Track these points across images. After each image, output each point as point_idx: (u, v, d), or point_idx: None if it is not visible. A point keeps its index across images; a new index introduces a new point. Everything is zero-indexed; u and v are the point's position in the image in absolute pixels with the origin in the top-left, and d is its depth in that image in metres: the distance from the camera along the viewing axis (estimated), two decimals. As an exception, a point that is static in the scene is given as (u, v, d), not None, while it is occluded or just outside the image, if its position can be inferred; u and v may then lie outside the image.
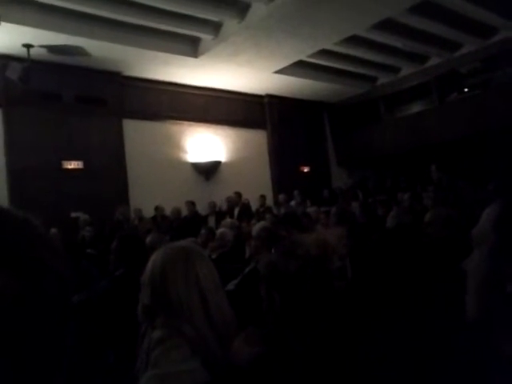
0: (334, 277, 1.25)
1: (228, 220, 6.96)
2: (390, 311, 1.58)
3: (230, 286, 3.45)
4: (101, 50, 8.10)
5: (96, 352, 2.08)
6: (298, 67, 10.27)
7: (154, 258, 1.59)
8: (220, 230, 5.36)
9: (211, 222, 8.83)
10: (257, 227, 4.19)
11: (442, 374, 1.04)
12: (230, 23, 7.94)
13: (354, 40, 9.30)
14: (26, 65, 7.44)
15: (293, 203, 9.86)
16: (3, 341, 0.39)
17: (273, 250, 1.35)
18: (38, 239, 0.47)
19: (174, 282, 1.50)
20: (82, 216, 7.97)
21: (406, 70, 11.56)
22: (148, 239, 4.05)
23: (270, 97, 12.02)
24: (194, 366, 1.39)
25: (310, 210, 8.19)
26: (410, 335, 1.33)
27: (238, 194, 9.78)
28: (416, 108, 12.15)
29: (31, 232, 0.47)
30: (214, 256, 4.74)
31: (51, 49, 7.81)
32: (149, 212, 8.84)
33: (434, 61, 11.08)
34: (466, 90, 11.35)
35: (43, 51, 7.83)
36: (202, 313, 1.48)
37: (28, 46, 7.56)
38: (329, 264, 1.28)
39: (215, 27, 8.23)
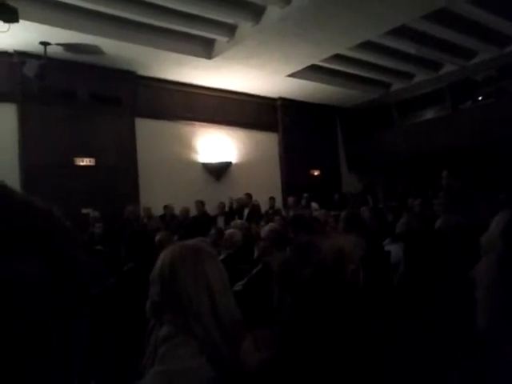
0: (347, 285, 1.26)
1: (237, 221, 6.97)
2: (399, 317, 1.59)
3: (237, 286, 3.46)
4: (116, 49, 8.17)
5: (103, 347, 2.10)
6: (312, 71, 10.28)
7: (164, 256, 1.60)
8: (229, 231, 5.36)
9: (220, 222, 8.86)
10: (266, 229, 4.20)
11: (451, 379, 1.05)
12: (245, 26, 7.97)
13: (368, 45, 9.29)
14: (42, 62, 7.54)
15: (300, 206, 9.86)
16: (27, 324, 0.41)
17: (288, 250, 1.35)
18: (62, 230, 0.48)
19: (184, 279, 1.51)
20: (91, 213, 8.04)
21: (420, 76, 11.51)
22: (157, 238, 4.07)
23: (283, 100, 12.03)
24: (201, 363, 1.40)
25: (319, 213, 8.20)
26: (419, 342, 1.33)
27: (249, 195, 9.79)
28: (429, 115, 12.08)
29: (55, 222, 0.48)
30: (221, 256, 4.75)
31: (67, 47, 7.90)
32: (158, 211, 8.89)
33: (448, 68, 11.02)
34: (479, 98, 11.27)
35: (59, 49, 7.92)
36: (210, 311, 1.49)
37: (45, 44, 7.66)
38: (343, 273, 1.28)
39: (230, 29, 8.26)
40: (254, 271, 3.85)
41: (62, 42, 7.69)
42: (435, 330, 1.39)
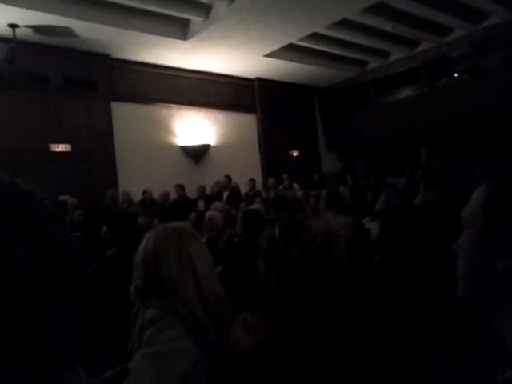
0: (335, 264, 1.26)
1: (217, 203, 6.96)
2: (387, 294, 1.60)
3: (218, 268, 3.47)
4: (89, 31, 7.95)
5: (88, 332, 2.08)
6: (289, 51, 10.20)
7: (147, 239, 1.59)
8: (209, 213, 5.35)
9: (200, 205, 8.83)
10: (243, 210, 4.21)
11: (439, 349, 1.06)
12: (220, 5, 7.83)
13: (344, 24, 9.25)
14: (11, 45, 7.30)
15: (281, 187, 9.88)
16: (15, 307, 0.40)
17: (276, 228, 1.33)
18: (47, 211, 0.47)
19: (167, 262, 1.50)
20: (69, 200, 7.91)
21: (396, 54, 11.53)
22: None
23: (260, 80, 11.94)
24: (187, 345, 1.40)
25: (299, 193, 8.24)
26: (406, 318, 1.35)
27: (228, 178, 9.76)
28: (406, 93, 12.16)
29: (40, 204, 0.47)
30: (203, 239, 4.74)
31: (38, 29, 7.65)
32: (137, 195, 8.80)
33: (424, 45, 11.07)
34: (455, 75, 11.38)
35: (29, 32, 7.66)
36: (195, 293, 1.48)
37: (14, 26, 7.39)
38: (333, 252, 1.28)
39: (205, 9, 8.11)
40: (232, 253, 3.87)
41: (31, 24, 7.44)
42: (420, 306, 1.41)
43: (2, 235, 0.40)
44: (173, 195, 9.13)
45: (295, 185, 10.08)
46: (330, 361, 1.19)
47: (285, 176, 10.26)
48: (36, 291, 0.41)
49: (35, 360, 0.42)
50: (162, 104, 10.27)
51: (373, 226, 4.22)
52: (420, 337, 1.18)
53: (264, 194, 9.38)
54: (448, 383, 0.97)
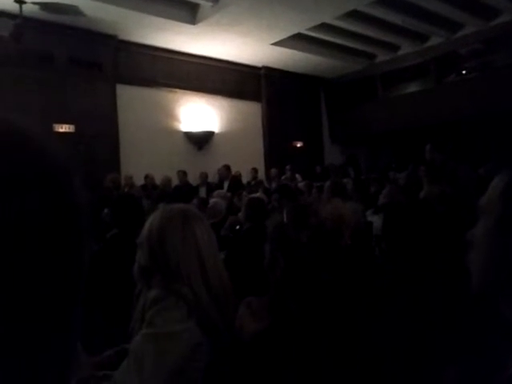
0: (343, 250, 1.23)
1: (221, 191, 6.94)
2: (392, 285, 1.58)
3: (221, 254, 3.46)
4: (96, 10, 7.86)
5: (88, 311, 2.06)
6: (297, 40, 10.11)
7: (152, 219, 1.57)
8: (213, 200, 5.34)
9: (202, 192, 8.81)
10: (247, 197, 4.19)
11: (447, 342, 1.05)
12: (230, -10, 7.75)
13: (354, 15, 9.15)
14: (18, 21, 7.22)
15: (284, 178, 9.84)
16: (29, 262, 0.39)
17: (284, 212, 1.31)
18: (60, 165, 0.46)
19: (172, 242, 1.48)
20: (71, 180, 7.87)
21: (406, 48, 11.43)
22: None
23: (267, 69, 11.85)
24: (190, 326, 1.39)
25: (301, 184, 8.21)
26: (412, 310, 1.33)
27: (227, 167, 9.67)
28: (413, 88, 12.08)
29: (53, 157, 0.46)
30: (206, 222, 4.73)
31: (44, 6, 7.57)
32: (139, 180, 8.77)
33: (433, 41, 10.97)
34: (464, 71, 11.29)
35: (36, 8, 7.58)
36: (200, 274, 1.47)
37: (20, 2, 7.30)
38: (341, 239, 1.26)
39: (215, -7, 8.03)
40: (235, 240, 3.86)
41: (38, 0, 7.36)
42: (427, 297, 1.39)
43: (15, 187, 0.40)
44: (175, 181, 9.10)
45: (298, 176, 10.04)
46: (333, 346, 1.17)
47: (288, 167, 10.21)
48: (46, 245, 0.41)
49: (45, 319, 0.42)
50: (168, 88, 10.20)
51: (375, 220, 4.20)
52: (428, 326, 1.16)
53: (266, 184, 9.35)
54: (458, 373, 0.95)
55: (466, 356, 0.91)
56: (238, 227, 4.58)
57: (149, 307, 1.41)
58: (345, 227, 1.27)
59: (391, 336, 1.13)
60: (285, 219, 1.34)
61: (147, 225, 1.57)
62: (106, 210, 5.33)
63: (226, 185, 9.22)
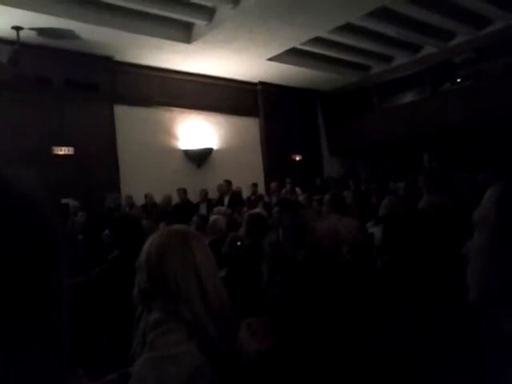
0: (340, 267, 1.24)
1: (221, 207, 6.95)
2: (391, 299, 1.58)
3: (222, 272, 3.45)
4: (92, 33, 7.96)
5: (91, 335, 2.06)
6: (292, 55, 10.21)
7: (150, 241, 1.57)
8: (213, 217, 5.34)
9: (202, 209, 8.81)
10: (248, 213, 4.19)
11: (443, 353, 1.04)
12: (224, 9, 7.84)
13: (348, 28, 9.25)
14: (15, 47, 7.32)
15: (284, 191, 9.86)
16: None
17: (280, 231, 1.32)
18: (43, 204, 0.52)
19: (171, 264, 1.48)
20: (71, 202, 7.90)
21: (400, 59, 11.54)
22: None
23: (263, 84, 11.95)
24: (190, 348, 1.39)
25: (301, 197, 8.21)
26: (411, 319, 1.33)
27: (228, 182, 9.74)
28: (409, 97, 12.16)
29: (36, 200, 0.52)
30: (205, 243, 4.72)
31: (41, 32, 7.67)
32: (139, 199, 8.79)
33: (427, 50, 11.08)
34: (458, 80, 11.37)
35: (33, 34, 7.69)
36: (199, 296, 1.47)
37: (17, 29, 7.42)
38: (338, 257, 1.26)
39: (209, 12, 8.12)
40: (237, 257, 3.85)
41: (35, 26, 7.46)
42: (426, 311, 1.39)
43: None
44: (175, 199, 9.12)
45: (298, 189, 10.06)
46: (333, 364, 1.17)
47: (288, 180, 10.24)
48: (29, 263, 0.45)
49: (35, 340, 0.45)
50: (165, 107, 10.28)
51: (376, 231, 4.20)
52: (425, 342, 1.16)
53: (266, 199, 9.36)
54: None
55: (465, 370, 0.91)
56: (239, 243, 4.58)
57: (149, 330, 1.41)
58: (341, 244, 1.27)
59: (391, 350, 1.13)
60: (280, 238, 1.34)
61: (146, 247, 1.57)
62: (106, 231, 5.35)
63: (226, 200, 9.24)
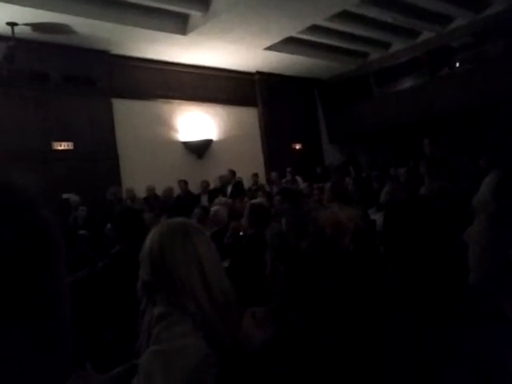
0: (343, 256, 1.24)
1: (221, 198, 6.95)
2: (393, 286, 1.59)
3: (225, 263, 3.46)
4: (87, 28, 7.91)
5: (96, 329, 2.08)
6: (289, 44, 10.15)
7: (153, 234, 1.58)
8: (214, 208, 5.36)
9: (204, 200, 8.83)
10: (249, 203, 4.20)
11: (449, 342, 1.05)
12: (219, -1, 7.79)
13: (344, 15, 9.19)
14: (10, 43, 7.28)
15: (284, 181, 9.86)
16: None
17: (283, 221, 1.31)
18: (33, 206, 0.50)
19: (174, 257, 1.49)
20: (72, 197, 7.90)
21: (397, 45, 11.47)
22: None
23: (261, 74, 11.89)
24: (196, 340, 1.40)
25: (303, 186, 8.21)
26: (415, 308, 1.34)
27: (232, 172, 9.74)
28: (407, 83, 12.09)
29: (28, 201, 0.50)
30: (208, 234, 4.74)
31: (36, 27, 7.63)
32: (141, 192, 8.80)
33: (425, 35, 11.00)
34: (457, 64, 11.31)
35: (28, 29, 7.64)
36: (202, 288, 1.48)
37: (12, 25, 7.36)
38: (340, 245, 1.26)
39: (204, 3, 8.06)
40: (239, 247, 3.86)
41: (29, 21, 7.41)
42: (428, 297, 1.39)
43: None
44: (176, 191, 9.13)
45: (298, 178, 10.05)
46: (336, 353, 1.18)
47: (288, 169, 10.24)
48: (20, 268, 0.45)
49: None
50: (163, 100, 10.25)
51: (378, 217, 4.20)
52: (428, 328, 1.17)
53: (267, 188, 9.36)
54: (458, 375, 0.96)
55: (467, 356, 0.92)
56: (241, 233, 4.59)
57: (155, 324, 1.42)
58: (343, 233, 1.27)
59: (393, 338, 1.14)
60: (284, 228, 1.34)
61: (148, 240, 1.58)
62: (108, 226, 5.36)
63: (229, 190, 9.25)
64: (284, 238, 1.30)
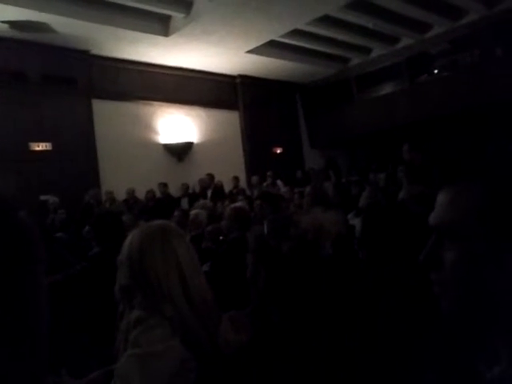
0: (323, 260, 1.25)
1: (201, 201, 6.92)
2: (372, 291, 1.60)
3: (205, 267, 3.45)
4: (67, 27, 7.81)
5: (73, 333, 2.04)
6: (271, 47, 10.19)
7: (132, 237, 1.56)
8: (194, 212, 5.32)
9: (184, 203, 8.78)
10: (230, 207, 4.19)
11: (424, 346, 1.06)
12: (201, 1, 7.78)
13: (326, 20, 9.28)
14: (-12, 42, 7.15)
15: (265, 184, 9.87)
16: None
17: (265, 223, 1.32)
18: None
19: (152, 260, 1.47)
20: (50, 199, 7.78)
21: (378, 50, 11.63)
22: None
23: (242, 77, 11.90)
24: (174, 344, 1.38)
25: (283, 190, 8.23)
26: (392, 313, 1.35)
27: (211, 176, 9.72)
28: (387, 89, 12.25)
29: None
30: (187, 238, 4.71)
31: (14, 25, 7.50)
32: (120, 194, 8.70)
33: (404, 42, 11.18)
34: (435, 71, 11.51)
35: (5, 27, 7.50)
36: (181, 292, 1.46)
37: (-11, 22, 7.25)
38: (321, 250, 1.27)
39: (186, 5, 8.04)
40: (220, 251, 3.85)
41: (7, 19, 7.28)
42: (405, 303, 1.40)
43: None
44: (157, 193, 9.06)
45: (279, 182, 10.08)
46: (317, 355, 1.18)
47: (269, 173, 10.26)
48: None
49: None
50: (144, 101, 10.17)
51: (357, 222, 4.23)
52: (405, 334, 1.18)
53: (248, 192, 9.35)
54: (435, 381, 0.96)
55: (443, 360, 0.92)
56: (221, 238, 4.57)
57: (132, 328, 1.41)
58: (325, 237, 1.28)
59: (373, 341, 1.14)
60: (265, 230, 1.34)
61: (127, 243, 1.56)
62: (86, 228, 5.29)
63: (209, 194, 9.22)
64: (265, 241, 1.30)
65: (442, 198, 0.79)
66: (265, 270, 1.24)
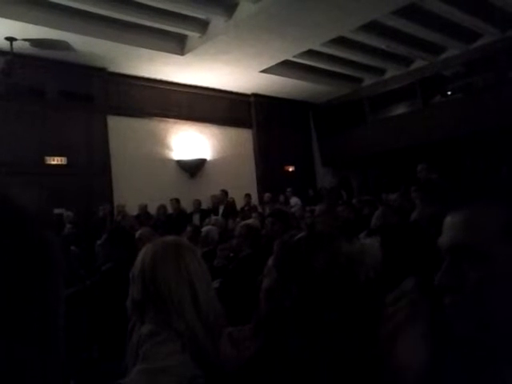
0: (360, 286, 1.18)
1: (213, 218, 6.95)
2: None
3: (215, 283, 3.45)
4: (85, 45, 8.00)
5: (83, 347, 2.05)
6: (285, 67, 10.30)
7: (145, 252, 1.57)
8: (205, 228, 5.34)
9: (196, 219, 8.80)
10: (242, 224, 4.20)
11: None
12: (218, 21, 7.92)
13: (340, 41, 9.36)
14: (8, 58, 7.32)
15: (281, 200, 9.96)
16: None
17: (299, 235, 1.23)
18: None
19: (165, 276, 1.48)
20: (65, 213, 7.86)
21: (391, 72, 11.67)
22: (137, 234, 3.98)
23: (256, 96, 12.01)
24: (184, 359, 1.38)
25: (294, 209, 8.23)
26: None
27: (224, 192, 9.76)
28: (400, 110, 12.26)
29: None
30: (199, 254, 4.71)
31: (34, 43, 7.68)
32: (133, 209, 8.76)
33: (418, 63, 11.21)
34: (448, 93, 11.51)
35: (26, 45, 7.69)
36: (193, 308, 1.47)
37: (11, 40, 7.43)
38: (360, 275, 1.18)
39: (202, 25, 8.19)
40: (230, 267, 3.84)
41: (28, 37, 7.47)
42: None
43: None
44: (169, 209, 9.11)
45: (296, 199, 10.12)
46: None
47: (288, 189, 10.36)
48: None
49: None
50: (159, 118, 10.30)
51: (368, 242, 4.20)
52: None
53: (260, 209, 9.36)
54: None
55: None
56: (231, 255, 4.57)
57: (143, 342, 1.41)
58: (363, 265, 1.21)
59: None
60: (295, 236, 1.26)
61: (140, 258, 1.57)
62: (98, 242, 5.33)
63: (221, 210, 9.25)
64: (298, 253, 1.20)
65: (455, 220, 0.78)
66: (297, 288, 1.16)
